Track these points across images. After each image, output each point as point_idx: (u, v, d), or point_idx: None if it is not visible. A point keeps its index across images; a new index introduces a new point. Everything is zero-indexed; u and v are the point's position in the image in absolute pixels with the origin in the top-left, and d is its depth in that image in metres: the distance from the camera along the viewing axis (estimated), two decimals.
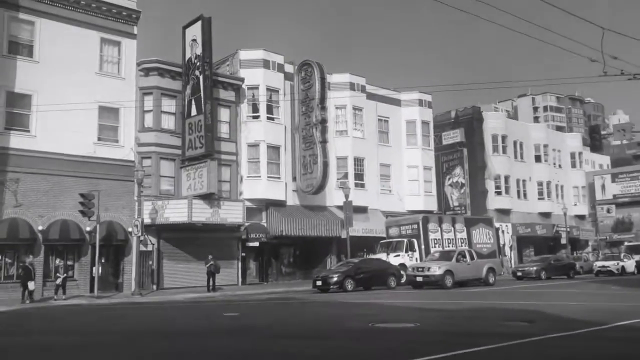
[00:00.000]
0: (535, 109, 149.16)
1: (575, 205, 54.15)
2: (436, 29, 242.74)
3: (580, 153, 56.73)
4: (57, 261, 25.82)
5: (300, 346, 10.05)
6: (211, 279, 27.35)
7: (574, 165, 55.75)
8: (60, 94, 26.35)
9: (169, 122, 30.23)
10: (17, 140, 25.55)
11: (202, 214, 28.46)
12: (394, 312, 15.59)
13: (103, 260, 27.12)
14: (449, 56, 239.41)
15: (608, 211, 57.15)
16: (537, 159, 50.84)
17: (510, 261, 45.01)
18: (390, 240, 32.60)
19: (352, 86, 37.68)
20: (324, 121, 33.49)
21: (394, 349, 9.68)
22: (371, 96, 39.23)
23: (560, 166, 54.08)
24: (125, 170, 28.44)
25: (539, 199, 50.55)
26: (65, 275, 23.67)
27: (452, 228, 33.40)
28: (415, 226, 32.06)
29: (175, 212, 28.09)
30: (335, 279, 25.24)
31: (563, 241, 48.22)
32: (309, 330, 12.22)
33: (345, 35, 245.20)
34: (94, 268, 25.26)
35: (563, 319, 13.40)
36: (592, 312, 14.82)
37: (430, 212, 39.60)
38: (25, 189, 25.50)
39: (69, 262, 26.42)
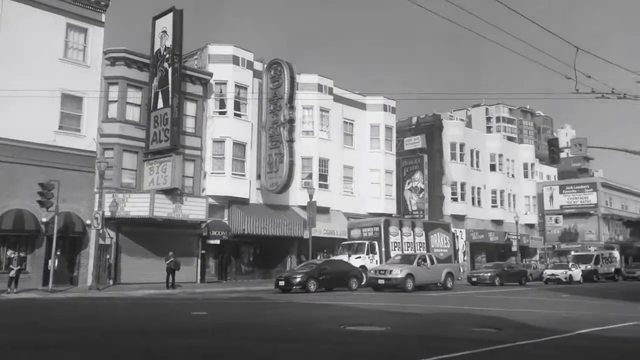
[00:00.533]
0: (489, 119, 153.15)
1: (525, 214, 55.91)
2: (405, 34, 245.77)
3: (532, 164, 58.66)
4: (9, 253, 24.92)
5: (279, 349, 10.06)
6: (171, 276, 26.89)
7: (526, 176, 57.57)
8: (20, 79, 25.44)
9: (133, 114, 29.59)
10: None
11: (164, 209, 27.98)
12: (363, 315, 15.74)
13: (58, 253, 26.25)
14: (415, 62, 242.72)
15: (556, 221, 59.37)
16: (492, 167, 52.29)
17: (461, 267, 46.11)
18: (352, 242, 32.87)
19: (320, 87, 37.83)
20: (291, 121, 33.49)
21: (373, 353, 9.82)
22: (338, 98, 39.48)
23: (513, 176, 55.76)
24: (86, 160, 27.71)
25: (492, 206, 51.99)
26: (19, 267, 22.80)
27: (412, 232, 33.96)
28: (376, 229, 32.44)
29: (137, 206, 27.52)
30: (298, 279, 25.26)
31: (514, 248, 49.75)
32: (283, 332, 12.22)
33: (314, 35, 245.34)
34: (49, 261, 24.41)
35: (527, 326, 13.85)
36: (552, 319, 15.38)
37: (390, 215, 40.20)
38: None
39: (22, 254, 25.48)
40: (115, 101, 28.90)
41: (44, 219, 25.65)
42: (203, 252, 31.77)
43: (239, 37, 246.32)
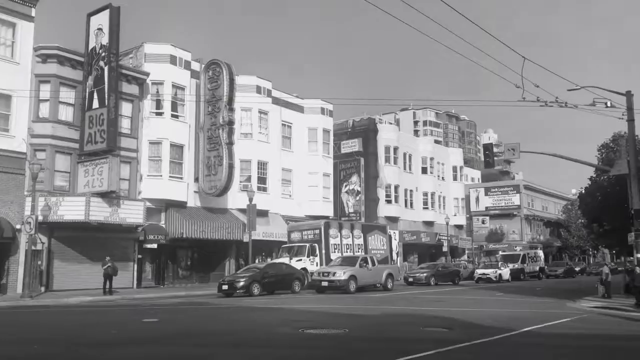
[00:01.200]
0: (416, 123, 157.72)
1: (455, 215, 57.99)
2: (342, 37, 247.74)
3: (461, 167, 60.92)
4: None
5: (246, 355, 10.04)
6: (108, 282, 25.96)
7: (455, 178, 59.72)
8: None
9: (67, 114, 28.33)
10: None
11: (101, 213, 26.96)
12: (317, 318, 15.85)
13: None
14: (353, 65, 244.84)
15: (483, 222, 61.93)
16: (424, 170, 53.89)
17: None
18: (292, 244, 32.93)
19: (258, 89, 37.65)
20: (231, 123, 33.13)
21: (341, 357, 9.98)
22: (276, 101, 39.46)
23: (443, 178, 57.69)
24: (15, 162, 26.32)
25: (424, 208, 53.58)
26: None
27: (351, 234, 34.47)
28: (317, 231, 32.67)
29: (71, 210, 26.35)
30: (242, 283, 25.05)
31: (444, 249, 51.50)
32: (244, 337, 12.15)
33: (249, 36, 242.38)
34: None
35: (475, 325, 14.45)
36: (495, 318, 16.11)
37: (327, 217, 40.57)
38: None
39: None
40: (47, 100, 27.55)
41: None
42: (139, 256, 30.86)
43: (172, 36, 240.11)
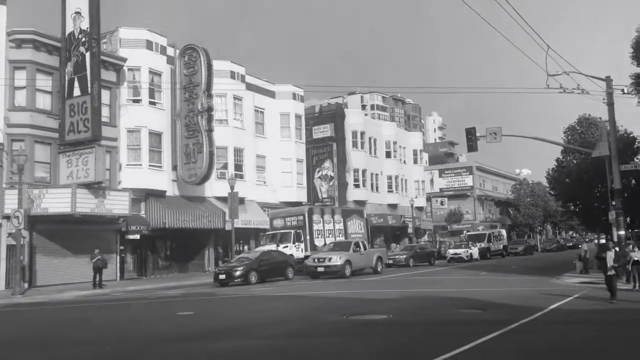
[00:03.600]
0: (364, 107, 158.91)
1: (416, 197, 59.27)
2: (313, 18, 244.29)
3: (420, 150, 62.20)
4: None
5: (313, 345, 10.12)
6: (98, 275, 25.25)
7: (415, 162, 60.92)
8: None
9: (44, 102, 27.06)
10: None
11: (87, 204, 26.02)
12: (348, 304, 16.03)
13: None
14: (323, 47, 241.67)
15: (441, 203, 63.74)
16: (388, 154, 54.70)
17: None
18: (276, 232, 32.92)
19: (232, 75, 37.08)
20: (210, 109, 32.54)
21: (407, 344, 10.24)
22: (249, 86, 39.00)
23: (404, 162, 58.76)
24: None
25: (388, 191, 54.47)
26: None
27: (332, 219, 34.81)
28: (300, 217, 32.78)
29: (56, 202, 25.29)
30: (239, 272, 24.97)
31: (410, 230, 52.74)
32: (293, 328, 12.11)
33: (215, 18, 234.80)
34: None
35: (501, 305, 15.08)
36: (513, 297, 16.89)
37: (301, 203, 40.70)
38: None
39: None
40: (24, 88, 26.20)
41: None
42: (121, 248, 30.08)
43: (139, 20, 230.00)
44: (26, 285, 25.37)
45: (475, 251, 41.48)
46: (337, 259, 26.72)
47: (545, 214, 72.97)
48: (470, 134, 29.24)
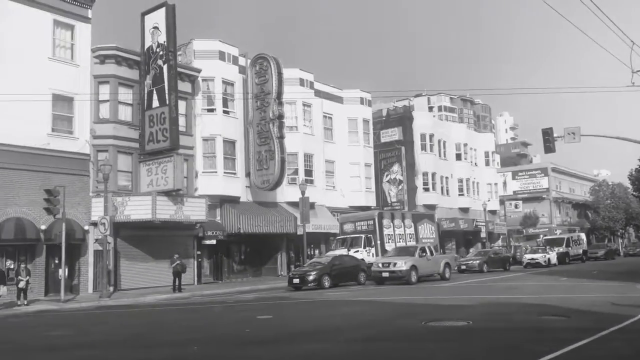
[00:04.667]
0: (431, 109, 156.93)
1: (488, 200, 57.84)
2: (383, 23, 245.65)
3: (492, 152, 60.69)
4: (8, 263, 23.58)
5: (396, 349, 10.11)
6: (177, 279, 26.27)
7: (487, 164, 59.50)
8: (10, 80, 24.08)
9: (125, 114, 28.53)
10: None
11: (166, 211, 27.18)
12: (424, 310, 15.93)
13: (56, 261, 25.13)
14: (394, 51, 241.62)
15: (516, 206, 61.87)
16: (458, 157, 53.77)
17: None
18: (346, 236, 33.08)
19: (301, 82, 37.70)
20: (281, 117, 33.22)
21: (494, 350, 10.04)
22: (317, 93, 39.48)
23: (476, 164, 57.52)
24: (80, 164, 26.58)
25: (459, 195, 53.54)
26: (27, 278, 21.59)
27: (402, 224, 34.56)
28: (370, 222, 32.79)
29: (138, 209, 26.58)
30: (312, 276, 25.26)
31: (482, 235, 51.52)
32: (371, 333, 12.10)
33: (283, 26, 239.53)
34: (60, 270, 23.32)
35: (589, 312, 14.45)
36: (598, 304, 16.10)
37: (370, 207, 40.75)
38: None
39: (22, 264, 24.10)
40: (107, 101, 27.74)
41: (43, 227, 24.46)
42: (198, 252, 31.14)
43: (209, 31, 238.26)
44: (111, 288, 26.76)
45: (553, 256, 39.99)
46: (402, 264, 26.26)
47: (628, 216, 69.38)
48: (547, 134, 28.34)
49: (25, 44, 25.01)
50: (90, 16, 27.60)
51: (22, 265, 22.25)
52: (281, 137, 33.05)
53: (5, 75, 24.04)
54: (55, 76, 25.79)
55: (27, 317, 18.85)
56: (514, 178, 74.30)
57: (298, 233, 33.55)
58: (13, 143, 24.00)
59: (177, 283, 26.24)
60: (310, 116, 38.40)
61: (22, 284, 21.22)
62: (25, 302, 21.26)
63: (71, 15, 26.85)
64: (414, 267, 26.87)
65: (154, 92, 27.81)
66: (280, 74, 33.61)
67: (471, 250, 47.53)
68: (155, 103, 27.75)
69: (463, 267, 35.35)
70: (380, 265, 27.30)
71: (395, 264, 26.66)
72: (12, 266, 23.02)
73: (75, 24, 27.02)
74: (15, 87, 23.72)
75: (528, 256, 39.93)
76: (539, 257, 39.12)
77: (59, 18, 26.36)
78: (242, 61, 34.77)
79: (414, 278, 26.63)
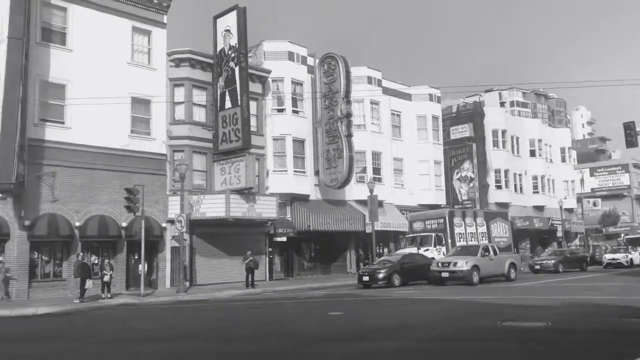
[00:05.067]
0: (502, 104, 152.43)
1: (565, 198, 55.66)
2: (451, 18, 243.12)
3: (569, 148, 58.30)
4: (93, 258, 24.85)
5: (473, 349, 9.93)
6: (250, 275, 26.92)
7: (563, 160, 57.26)
8: (93, 84, 25.47)
9: (200, 115, 29.51)
10: (52, 132, 24.43)
11: (239, 209, 27.91)
12: (497, 310, 15.58)
13: (136, 257, 26.32)
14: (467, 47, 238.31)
15: (594, 204, 59.20)
16: (532, 153, 52.03)
17: None
18: (415, 234, 32.77)
19: (369, 80, 37.65)
20: (349, 115, 33.34)
21: (576, 352, 9.68)
22: (385, 90, 39.28)
23: (551, 160, 55.48)
24: (157, 163, 27.70)
25: (533, 192, 51.81)
26: (111, 272, 22.79)
27: (474, 222, 33.84)
28: (441, 220, 32.33)
29: (212, 207, 27.45)
30: (382, 274, 25.20)
31: (559, 234, 49.62)
32: (447, 331, 12.00)
33: (348, 24, 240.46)
34: (139, 265, 24.48)
35: None
36: None
37: (439, 206, 40.12)
38: (61, 182, 24.43)
39: (105, 260, 25.45)
40: (182, 103, 28.80)
41: (124, 224, 25.70)
42: (270, 250, 31.76)
43: (281, 32, 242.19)
44: (188, 283, 27.71)
45: (636, 256, 37.98)
46: (462, 264, 25.29)
47: None
48: (630, 128, 27.07)
49: (107, 50, 26.36)
50: (165, 21, 28.72)
51: (106, 260, 23.50)
52: (349, 136, 33.15)
53: (89, 80, 25.41)
54: (134, 80, 27.03)
55: (112, 309, 19.93)
56: (592, 175, 71.12)
57: (367, 231, 33.56)
58: (96, 144, 25.36)
59: (250, 279, 26.88)
60: (378, 114, 38.29)
61: (106, 278, 22.41)
62: (109, 295, 22.44)
63: (148, 22, 28.04)
64: (475, 267, 25.44)
65: (227, 93, 28.60)
66: (348, 73, 33.72)
67: (546, 249, 45.82)
68: (228, 104, 28.53)
69: (537, 267, 34.19)
70: (439, 265, 26.10)
71: (455, 264, 25.41)
72: (96, 261, 24.30)
73: (152, 29, 28.20)
74: (97, 91, 25.05)
75: (608, 256, 38.12)
76: (621, 257, 37.26)
77: (137, 24, 27.60)
78: (310, 61, 35.15)
79: (475, 279, 25.29)
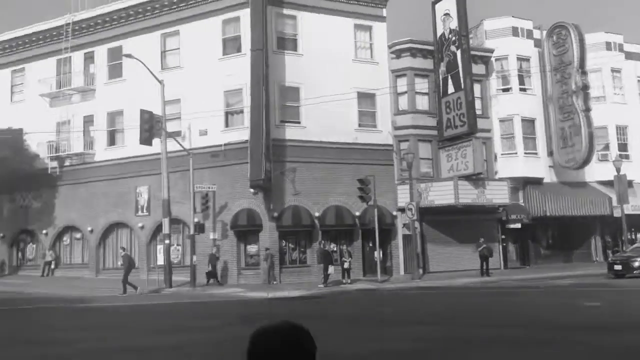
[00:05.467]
0: None
1: None
2: None
3: None
4: (332, 246, 26.50)
5: None
6: (484, 263, 26.12)
7: None
8: (322, 84, 26.94)
9: (422, 103, 29.52)
10: (290, 132, 26.63)
11: (468, 195, 27.27)
12: None
13: (371, 245, 27.33)
14: None
15: None
16: None
17: None
18: None
19: (608, 46, 33.70)
20: (585, 87, 30.23)
21: None
22: (628, 55, 34.71)
23: None
24: (384, 154, 28.39)
25: None
26: (350, 259, 24.07)
27: None
28: None
29: (440, 195, 27.28)
30: (638, 262, 22.39)
31: None
32: None
33: None
34: (375, 252, 25.47)
35: None
36: None
37: None
38: (300, 177, 26.49)
39: (342, 247, 26.96)
40: (404, 93, 29.10)
41: (357, 213, 26.89)
42: (503, 237, 30.41)
43: (496, 9, 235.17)
44: (421, 270, 28.01)
45: None
46: None
47: None
48: None
49: (332, 50, 27.75)
50: (384, 15, 29.28)
51: (346, 248, 24.87)
52: (587, 110, 30.07)
53: (319, 81, 27.01)
54: (359, 76, 28.07)
55: (356, 293, 21.02)
56: None
57: (614, 215, 30.10)
58: (328, 140, 26.95)
59: (484, 267, 26.11)
60: (620, 83, 34.05)
61: (346, 265, 23.74)
62: (349, 281, 23.74)
63: (368, 17, 28.90)
64: None
65: (449, 78, 28.10)
66: (581, 41, 30.61)
67: None
68: (451, 89, 28.01)
69: None
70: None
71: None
72: (334, 249, 25.88)
73: (373, 24, 29.00)
74: (326, 90, 26.51)
75: None
76: None
77: (358, 22, 28.64)
78: (537, 34, 32.69)
79: None
